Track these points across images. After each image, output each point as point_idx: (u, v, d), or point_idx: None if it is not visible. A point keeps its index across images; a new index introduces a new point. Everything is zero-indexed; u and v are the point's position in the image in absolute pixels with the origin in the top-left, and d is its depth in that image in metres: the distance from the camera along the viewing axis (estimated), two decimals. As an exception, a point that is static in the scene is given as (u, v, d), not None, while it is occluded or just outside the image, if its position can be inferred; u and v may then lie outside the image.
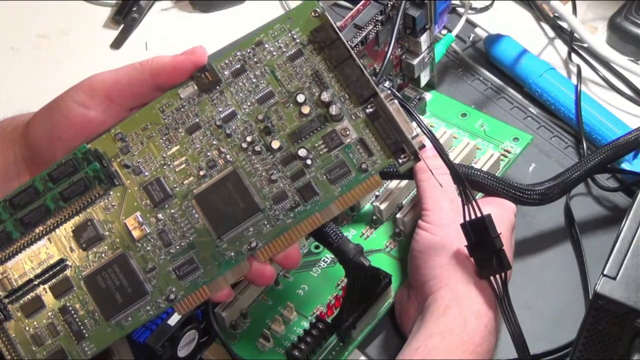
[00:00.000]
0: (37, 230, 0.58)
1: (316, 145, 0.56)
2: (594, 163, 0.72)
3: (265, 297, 0.72)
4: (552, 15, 0.92)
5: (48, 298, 0.57)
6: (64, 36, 0.99)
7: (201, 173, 0.57)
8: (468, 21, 0.92)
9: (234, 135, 0.57)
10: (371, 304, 0.69)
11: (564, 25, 0.91)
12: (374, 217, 0.75)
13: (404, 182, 0.75)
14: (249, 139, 0.57)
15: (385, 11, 0.75)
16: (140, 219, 0.57)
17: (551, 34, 0.92)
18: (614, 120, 0.82)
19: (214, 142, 0.58)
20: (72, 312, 0.57)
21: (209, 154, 0.57)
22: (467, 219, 0.62)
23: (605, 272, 0.54)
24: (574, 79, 0.86)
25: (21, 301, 0.58)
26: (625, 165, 0.77)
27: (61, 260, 0.58)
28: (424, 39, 0.79)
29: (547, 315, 0.71)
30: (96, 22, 1.00)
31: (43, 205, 0.58)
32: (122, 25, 0.98)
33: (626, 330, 0.53)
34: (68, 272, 0.57)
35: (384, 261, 0.73)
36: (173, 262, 0.57)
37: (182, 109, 0.58)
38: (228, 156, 0.57)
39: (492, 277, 0.64)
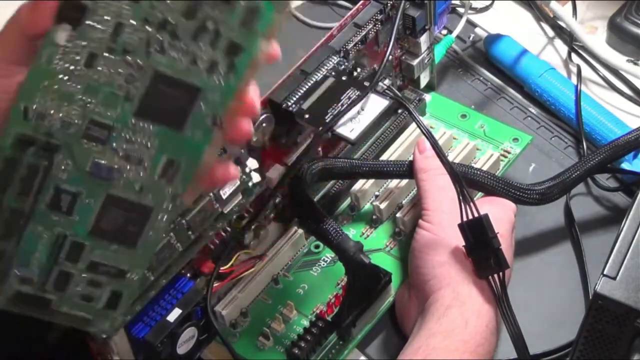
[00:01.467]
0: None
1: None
2: (594, 163, 0.72)
3: (265, 296, 0.72)
4: (552, 15, 0.92)
5: (71, 268, 0.57)
6: (64, 36, 0.99)
7: (125, 93, 0.54)
8: (468, 21, 0.92)
9: (133, 43, 0.54)
10: (371, 302, 0.69)
11: (564, 25, 0.91)
12: (374, 217, 0.75)
13: (404, 181, 0.75)
14: (147, 38, 0.54)
15: (385, 10, 0.75)
16: (102, 161, 0.55)
17: (551, 34, 0.92)
18: (614, 120, 0.82)
19: (119, 60, 0.54)
20: (100, 262, 0.56)
21: (120, 71, 0.54)
22: (465, 219, 0.63)
23: (605, 272, 0.54)
24: (574, 79, 0.86)
25: (50, 282, 0.57)
26: (625, 165, 0.77)
27: (58, 236, 0.56)
28: (423, 40, 0.79)
29: (547, 315, 0.71)
30: (96, 22, 1.00)
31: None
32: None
33: (626, 330, 0.53)
34: (70, 239, 0.56)
35: (384, 261, 0.73)
36: (154, 173, 0.55)
37: (67, 50, 0.54)
38: (140, 63, 0.54)
39: (490, 277, 0.64)
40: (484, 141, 0.79)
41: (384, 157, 0.77)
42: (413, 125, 0.77)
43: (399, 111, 0.80)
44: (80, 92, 0.54)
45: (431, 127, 0.81)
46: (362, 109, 0.68)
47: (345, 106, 0.67)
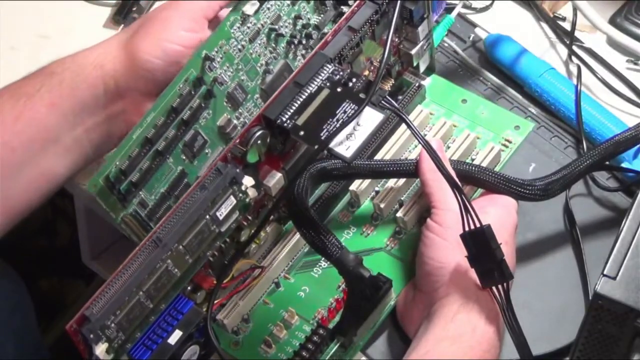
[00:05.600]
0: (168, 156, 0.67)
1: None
2: (595, 158, 0.72)
3: (266, 300, 0.72)
4: (552, 15, 0.92)
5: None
6: (64, 36, 0.99)
7: (262, 72, 0.71)
8: (467, 21, 0.92)
9: (283, 33, 0.71)
10: (372, 310, 0.69)
11: (564, 25, 0.91)
12: (374, 215, 0.75)
13: (403, 179, 0.75)
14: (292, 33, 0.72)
15: (381, 9, 0.73)
16: (230, 118, 0.70)
17: (551, 34, 0.92)
18: (614, 120, 0.82)
19: (268, 44, 0.71)
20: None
21: (266, 53, 0.71)
22: (467, 229, 0.62)
23: (605, 272, 0.54)
24: (574, 79, 0.86)
25: (158, 214, 0.67)
26: (625, 165, 0.77)
27: (180, 173, 0.68)
28: (421, 29, 0.78)
29: (547, 315, 0.71)
30: (96, 22, 1.00)
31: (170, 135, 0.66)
32: (122, 26, 0.98)
33: (626, 330, 0.53)
34: (185, 180, 0.68)
35: (384, 260, 0.73)
36: None
37: (245, 22, 0.69)
38: (278, 51, 0.72)
39: (494, 287, 0.63)
40: (485, 128, 0.78)
41: (379, 154, 0.76)
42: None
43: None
44: (235, 58, 0.69)
45: (431, 114, 0.80)
46: (358, 124, 0.65)
47: (340, 122, 0.65)
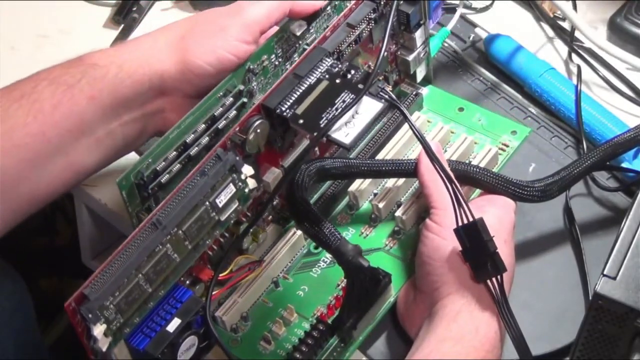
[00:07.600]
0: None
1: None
2: (594, 160, 0.72)
3: (265, 300, 0.72)
4: (552, 15, 0.92)
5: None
6: (64, 36, 0.99)
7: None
8: (467, 21, 0.92)
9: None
10: (371, 304, 0.68)
11: (564, 25, 0.91)
12: (373, 216, 0.75)
13: (402, 179, 0.75)
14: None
15: (379, 9, 0.74)
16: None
17: (551, 34, 0.92)
18: (614, 120, 0.82)
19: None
20: None
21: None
22: (460, 223, 0.62)
23: (605, 272, 0.54)
24: (574, 79, 0.86)
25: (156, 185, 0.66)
26: (625, 165, 0.77)
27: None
28: (418, 35, 0.78)
29: (547, 315, 0.71)
30: (96, 22, 1.00)
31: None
32: (122, 25, 0.98)
33: (626, 330, 0.53)
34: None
35: (383, 260, 0.73)
36: None
37: (286, 39, 0.71)
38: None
39: (489, 281, 0.63)
40: (482, 134, 0.79)
41: (380, 155, 0.77)
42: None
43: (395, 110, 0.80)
44: (269, 73, 0.71)
45: (428, 122, 0.80)
46: (357, 112, 0.66)
47: (339, 110, 0.66)
